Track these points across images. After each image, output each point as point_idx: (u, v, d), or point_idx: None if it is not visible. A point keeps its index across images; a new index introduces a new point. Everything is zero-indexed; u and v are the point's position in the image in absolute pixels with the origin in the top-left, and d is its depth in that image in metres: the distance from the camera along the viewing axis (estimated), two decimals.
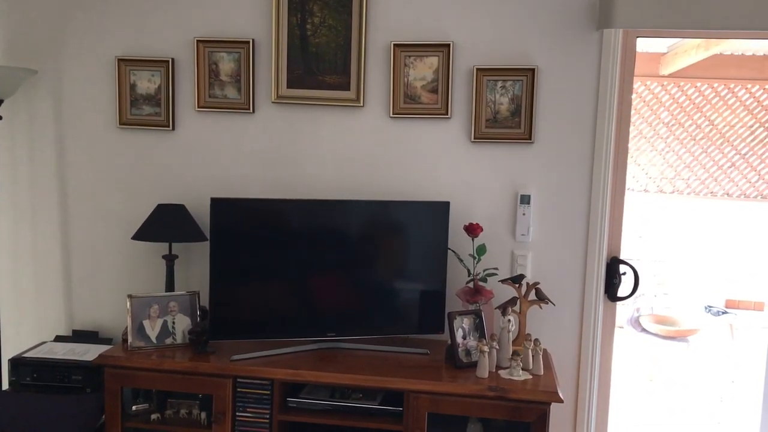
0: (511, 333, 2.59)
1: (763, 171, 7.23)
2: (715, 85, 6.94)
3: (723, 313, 6.57)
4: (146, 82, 2.97)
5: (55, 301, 3.15)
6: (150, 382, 2.61)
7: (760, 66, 6.37)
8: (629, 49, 2.82)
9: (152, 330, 2.70)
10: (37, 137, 3.08)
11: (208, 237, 2.69)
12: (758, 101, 6.94)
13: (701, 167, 7.32)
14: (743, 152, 7.20)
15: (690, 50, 5.73)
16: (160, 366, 2.57)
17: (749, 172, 7.26)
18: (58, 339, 3.06)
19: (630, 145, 2.87)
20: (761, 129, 7.02)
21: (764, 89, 6.88)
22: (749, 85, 6.88)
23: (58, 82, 3.04)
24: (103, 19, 2.98)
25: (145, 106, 2.98)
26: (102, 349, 2.78)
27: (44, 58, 3.03)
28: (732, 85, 6.91)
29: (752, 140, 7.11)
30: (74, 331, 3.11)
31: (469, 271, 2.73)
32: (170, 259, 2.86)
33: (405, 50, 2.81)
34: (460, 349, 2.57)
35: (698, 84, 6.95)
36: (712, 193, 7.39)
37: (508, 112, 2.79)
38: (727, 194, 7.35)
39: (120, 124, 3.00)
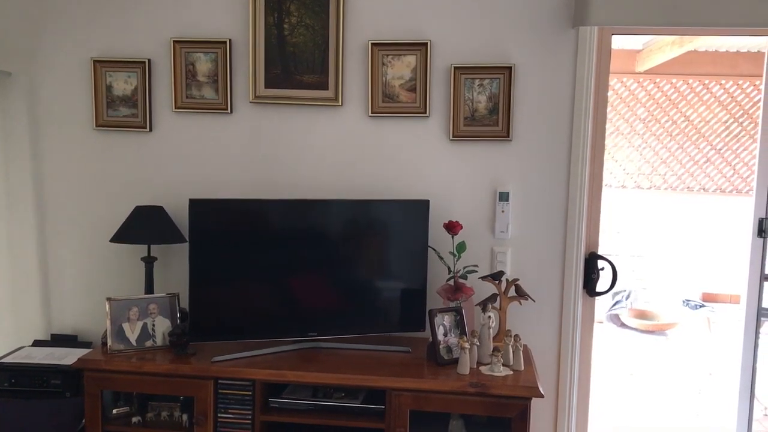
0: (491, 329, 2.61)
1: (737, 166, 7.34)
2: (690, 81, 7.03)
3: (700, 306, 6.66)
4: (122, 84, 2.95)
5: (32, 305, 3.11)
6: (130, 385, 2.59)
7: (733, 62, 6.47)
8: (605, 46, 2.85)
9: (132, 333, 2.69)
10: (11, 140, 3.04)
11: (187, 238, 2.67)
12: (732, 97, 7.05)
13: (677, 163, 7.42)
14: (718, 147, 7.30)
15: (665, 47, 5.80)
16: (141, 369, 2.56)
17: (724, 167, 7.36)
18: (37, 343, 3.03)
19: (607, 142, 2.90)
20: (735, 125, 7.13)
21: (738, 85, 6.99)
22: (723, 81, 6.98)
23: (32, 84, 3.01)
24: (78, 20, 2.96)
25: (121, 107, 2.96)
26: (81, 352, 2.75)
27: (18, 59, 2.99)
28: (706, 81, 7.01)
29: (727, 136, 7.21)
30: (53, 336, 3.08)
31: (449, 268, 2.74)
32: (149, 261, 2.84)
33: (383, 49, 2.82)
34: (441, 347, 2.59)
35: (673, 80, 7.04)
36: (688, 188, 7.48)
37: (485, 110, 2.81)
38: (703, 189, 7.45)
39: (96, 125, 2.98)
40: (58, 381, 2.74)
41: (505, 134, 2.81)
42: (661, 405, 4.79)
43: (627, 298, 6.73)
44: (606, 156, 2.92)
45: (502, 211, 2.86)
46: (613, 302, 6.73)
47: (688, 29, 2.85)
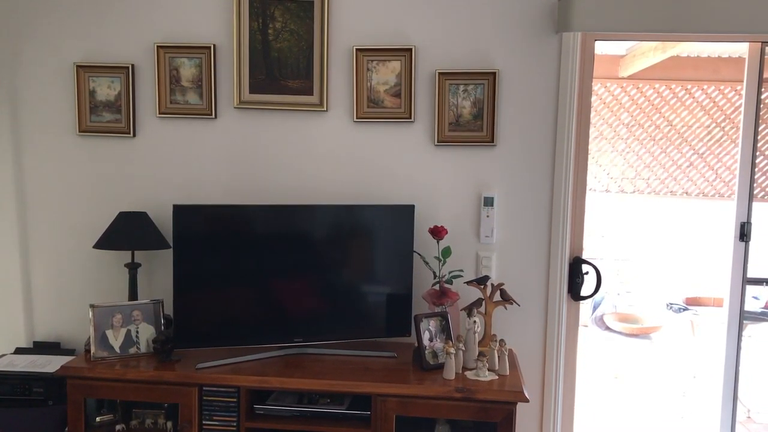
0: (476, 334, 2.61)
1: (720, 170, 7.41)
2: (673, 86, 7.09)
3: (684, 309, 6.71)
4: (106, 89, 2.93)
5: (14, 312, 3.09)
6: (114, 392, 2.57)
7: (715, 67, 6.52)
8: (588, 52, 2.87)
9: (115, 340, 2.67)
10: None
11: (171, 244, 2.66)
12: (714, 102, 7.11)
13: (661, 167, 7.47)
14: (701, 152, 7.37)
15: (648, 52, 5.84)
16: (124, 376, 2.54)
17: (707, 171, 7.43)
18: (19, 351, 3.00)
19: (591, 146, 2.92)
20: (717, 129, 7.20)
21: (719, 90, 7.06)
22: (705, 86, 7.05)
23: (14, 90, 2.98)
24: (61, 25, 2.94)
25: (105, 112, 2.94)
26: (64, 360, 2.73)
27: (0, 64, 2.97)
28: (689, 86, 7.07)
29: (709, 140, 7.28)
30: (35, 343, 3.05)
31: (434, 273, 2.74)
32: (133, 268, 2.82)
33: (367, 55, 2.82)
34: (426, 351, 2.59)
35: (656, 85, 7.09)
36: (671, 192, 7.54)
37: (470, 115, 2.82)
38: (686, 193, 7.51)
39: (80, 131, 2.96)
40: (41, 389, 2.72)
41: (490, 139, 2.82)
42: (646, 408, 4.81)
43: (598, 306, 6.76)
44: (590, 160, 2.94)
45: (487, 216, 2.87)
46: (592, 306, 6.77)
47: (670, 35, 2.88)
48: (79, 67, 2.92)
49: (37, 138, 3.00)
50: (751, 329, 5.64)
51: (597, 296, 6.68)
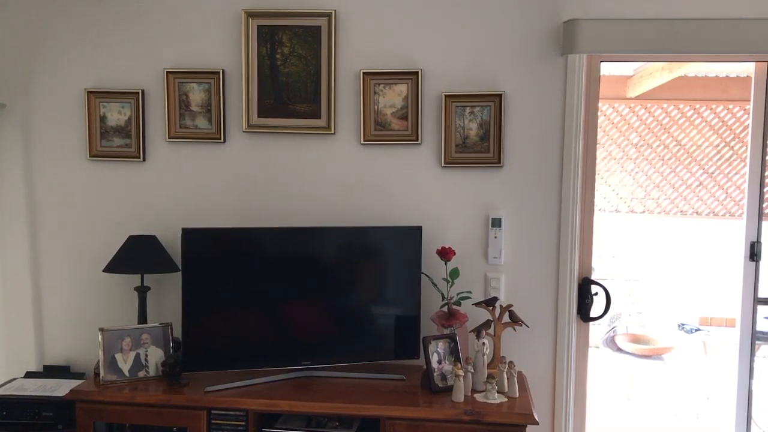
0: (485, 356, 2.60)
1: (730, 189, 7.37)
2: (681, 106, 7.09)
3: (696, 330, 6.65)
4: (116, 114, 2.97)
5: (25, 336, 3.10)
6: (123, 416, 2.57)
7: (723, 87, 6.52)
8: (594, 73, 2.88)
9: (125, 363, 2.67)
10: (5, 171, 3.05)
11: (181, 267, 2.67)
12: (723, 121, 7.10)
13: (670, 187, 7.45)
14: (710, 171, 7.34)
15: (655, 73, 5.85)
16: (133, 399, 2.54)
17: (717, 191, 7.40)
18: (29, 375, 3.01)
19: (600, 167, 2.93)
20: (726, 148, 7.18)
21: (728, 110, 7.05)
22: (714, 106, 7.04)
23: (26, 115, 3.02)
24: (72, 52, 2.98)
25: (115, 137, 2.98)
26: (74, 384, 2.73)
27: (12, 91, 3.01)
28: (697, 106, 7.07)
29: (718, 159, 7.26)
30: (45, 367, 3.06)
31: (443, 295, 2.74)
32: (142, 291, 2.83)
33: (374, 78, 2.84)
34: (435, 374, 2.58)
35: (664, 105, 7.09)
36: (681, 212, 7.51)
37: (477, 137, 2.83)
38: (696, 213, 7.47)
39: (90, 156, 2.99)
40: (50, 413, 2.73)
41: (497, 161, 2.83)
42: (659, 430, 4.76)
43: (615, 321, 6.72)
44: (599, 181, 2.94)
45: (495, 237, 2.87)
46: (609, 328, 6.72)
47: (675, 56, 2.89)
48: (90, 93, 2.96)
49: (48, 162, 3.03)
50: (764, 350, 5.58)
51: (612, 315, 6.65)
